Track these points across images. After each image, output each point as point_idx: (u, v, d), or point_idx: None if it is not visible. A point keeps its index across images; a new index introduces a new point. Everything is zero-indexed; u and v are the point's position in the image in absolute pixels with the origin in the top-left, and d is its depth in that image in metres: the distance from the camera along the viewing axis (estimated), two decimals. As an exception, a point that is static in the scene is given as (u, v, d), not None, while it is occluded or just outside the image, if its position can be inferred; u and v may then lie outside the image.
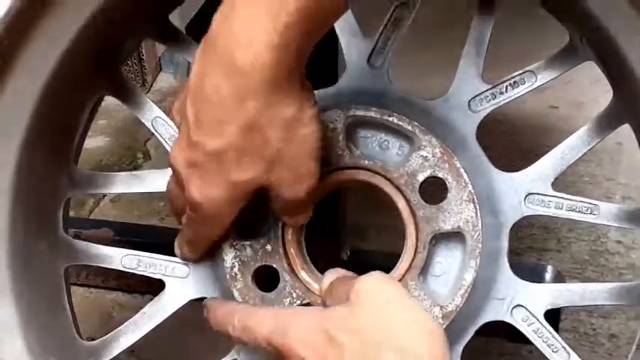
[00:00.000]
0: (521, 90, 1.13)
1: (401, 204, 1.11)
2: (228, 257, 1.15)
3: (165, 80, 2.84)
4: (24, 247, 1.12)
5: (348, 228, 1.90)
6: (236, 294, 1.15)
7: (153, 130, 1.22)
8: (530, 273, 1.75)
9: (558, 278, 1.78)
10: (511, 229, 1.12)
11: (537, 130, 2.34)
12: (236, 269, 1.15)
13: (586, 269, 2.00)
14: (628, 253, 2.03)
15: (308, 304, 1.14)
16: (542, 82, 1.13)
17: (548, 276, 1.77)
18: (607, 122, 1.11)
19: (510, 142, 2.27)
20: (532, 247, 2.03)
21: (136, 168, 2.39)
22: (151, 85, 2.77)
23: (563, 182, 2.17)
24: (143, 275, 1.22)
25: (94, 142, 2.54)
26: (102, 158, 2.47)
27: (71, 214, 2.16)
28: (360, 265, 1.80)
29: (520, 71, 1.13)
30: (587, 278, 1.96)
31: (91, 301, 1.96)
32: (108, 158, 2.47)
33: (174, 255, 1.20)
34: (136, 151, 2.48)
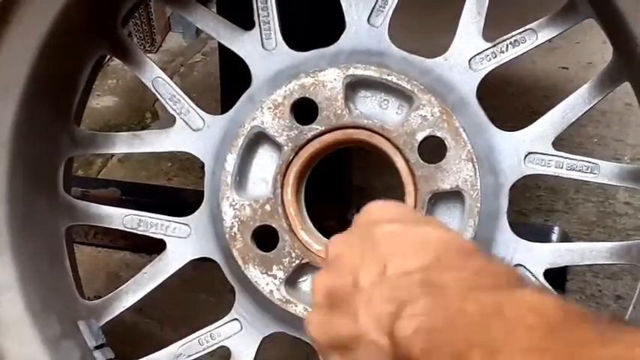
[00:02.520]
0: (522, 48, 1.12)
1: (400, 163, 1.11)
2: (228, 217, 1.15)
3: (174, 40, 2.82)
4: (23, 205, 1.12)
5: (354, 188, 1.89)
6: (236, 253, 1.15)
7: (153, 90, 1.22)
8: (537, 234, 1.75)
9: (564, 239, 1.77)
10: (511, 188, 1.12)
11: (546, 91, 2.32)
12: (235, 229, 1.15)
13: (593, 231, 1.99)
14: (636, 214, 2.02)
15: (307, 264, 1.14)
16: (543, 40, 1.12)
17: (554, 237, 1.77)
18: (608, 80, 1.10)
19: (518, 103, 2.25)
20: (539, 209, 2.02)
21: (144, 128, 2.39)
22: (160, 45, 2.76)
23: (571, 143, 2.17)
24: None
25: (103, 101, 2.54)
26: (110, 118, 2.46)
27: (79, 173, 2.20)
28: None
29: (521, 29, 1.12)
30: (594, 240, 1.94)
31: (99, 260, 1.97)
32: (116, 118, 2.47)
33: (181, 215, 1.20)
34: (145, 111, 2.47)
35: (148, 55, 2.65)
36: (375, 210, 0.81)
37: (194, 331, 1.22)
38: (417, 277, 0.68)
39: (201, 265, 1.22)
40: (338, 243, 0.79)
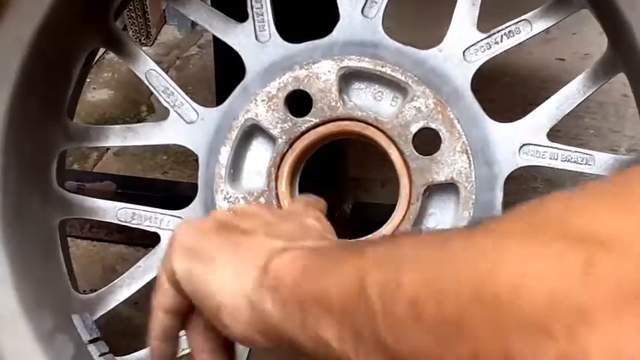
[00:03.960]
0: (516, 39, 1.12)
1: (394, 155, 1.10)
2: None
3: (169, 33, 2.82)
4: (15, 199, 1.12)
5: (351, 181, 1.89)
6: (230, 246, 1.15)
7: (146, 83, 1.22)
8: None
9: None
10: (506, 180, 1.11)
11: (543, 83, 2.32)
12: (229, 221, 1.14)
13: (589, 222, 1.98)
14: (632, 206, 2.01)
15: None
16: (538, 30, 1.11)
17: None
18: (602, 71, 1.10)
19: (515, 93, 2.25)
20: (536, 201, 2.01)
21: (140, 121, 2.38)
22: (156, 38, 2.75)
23: (567, 135, 2.16)
24: (144, 228, 1.22)
25: (99, 94, 2.53)
26: (106, 111, 2.46)
27: (75, 166, 2.19)
28: (364, 218, 1.82)
29: (515, 20, 1.12)
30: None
31: (95, 254, 1.97)
32: (112, 111, 2.46)
33: (177, 208, 1.20)
34: (140, 104, 2.47)
35: (144, 48, 2.67)
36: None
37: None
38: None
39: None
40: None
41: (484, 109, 1.12)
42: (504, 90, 2.22)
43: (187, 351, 1.18)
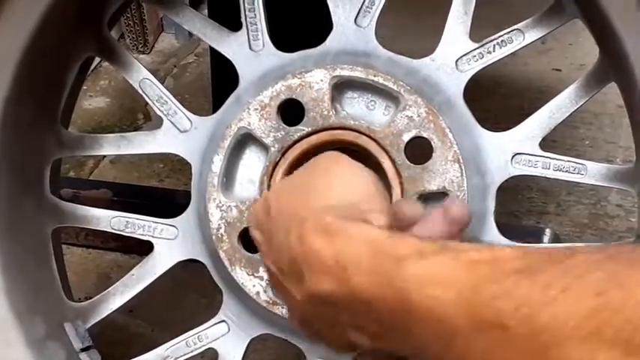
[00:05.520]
0: (509, 49, 1.12)
1: (386, 164, 1.11)
2: (214, 218, 1.15)
3: (167, 41, 2.82)
4: (8, 207, 1.12)
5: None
6: (222, 255, 1.15)
7: (140, 91, 1.22)
8: (528, 236, 1.75)
9: (556, 241, 1.77)
10: (498, 189, 1.12)
11: (538, 93, 2.32)
12: (222, 230, 1.15)
13: (585, 233, 1.99)
14: (628, 216, 2.02)
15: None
16: (531, 40, 1.11)
17: (546, 239, 1.77)
18: (594, 81, 1.10)
19: (511, 104, 2.25)
20: (531, 211, 2.02)
21: (137, 129, 2.38)
22: (153, 46, 2.76)
23: (563, 145, 2.16)
24: (139, 237, 1.22)
25: (95, 102, 2.53)
26: (102, 119, 2.46)
27: (71, 174, 2.19)
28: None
29: (508, 30, 1.12)
30: (586, 242, 1.95)
31: (90, 261, 1.97)
32: (108, 119, 2.46)
33: (173, 216, 1.20)
34: (137, 112, 2.47)
35: (141, 55, 2.67)
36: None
37: (184, 333, 1.22)
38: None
39: (192, 266, 1.22)
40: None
41: (479, 119, 1.12)
42: (500, 100, 2.22)
43: (203, 349, 1.19)
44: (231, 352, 1.20)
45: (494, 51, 1.12)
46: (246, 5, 1.16)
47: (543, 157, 1.11)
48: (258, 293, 1.14)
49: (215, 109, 1.21)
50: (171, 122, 1.20)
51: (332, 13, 1.15)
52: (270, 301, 1.14)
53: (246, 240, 1.14)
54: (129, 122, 2.46)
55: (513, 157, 1.11)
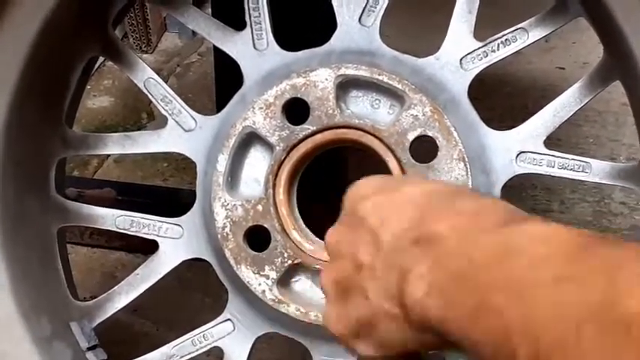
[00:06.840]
0: (513, 47, 1.12)
1: (392, 163, 1.11)
2: (220, 217, 1.15)
3: (170, 40, 2.82)
4: (14, 206, 1.12)
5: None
6: (228, 254, 1.15)
7: (145, 91, 1.22)
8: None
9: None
10: (503, 187, 1.12)
11: (543, 91, 2.32)
12: (227, 229, 1.15)
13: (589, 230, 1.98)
14: (632, 214, 2.02)
15: (299, 264, 1.14)
16: (535, 39, 1.11)
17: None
18: (599, 79, 1.10)
19: (515, 103, 2.25)
20: (535, 209, 2.02)
21: (140, 128, 2.39)
22: (156, 46, 2.76)
23: (567, 143, 2.16)
24: (144, 236, 1.22)
25: (99, 102, 2.54)
26: (106, 118, 2.46)
27: (75, 173, 2.20)
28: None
29: (512, 29, 1.12)
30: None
31: (95, 260, 1.97)
32: (112, 118, 2.47)
33: (177, 215, 1.20)
34: (141, 111, 2.47)
35: (144, 55, 2.68)
36: (359, 188, 0.79)
37: (190, 332, 1.22)
38: (410, 236, 0.65)
39: (197, 265, 1.22)
40: (332, 234, 0.77)
41: (484, 118, 1.12)
42: (504, 99, 2.22)
43: (208, 347, 1.19)
44: (237, 350, 1.20)
45: (498, 50, 1.12)
46: (250, 4, 1.17)
47: (548, 155, 1.11)
48: (263, 292, 1.14)
49: (219, 109, 1.21)
50: (176, 121, 1.20)
51: (336, 12, 1.15)
52: (276, 300, 1.14)
53: (251, 238, 1.15)
54: (132, 121, 2.46)
55: (518, 155, 1.11)
